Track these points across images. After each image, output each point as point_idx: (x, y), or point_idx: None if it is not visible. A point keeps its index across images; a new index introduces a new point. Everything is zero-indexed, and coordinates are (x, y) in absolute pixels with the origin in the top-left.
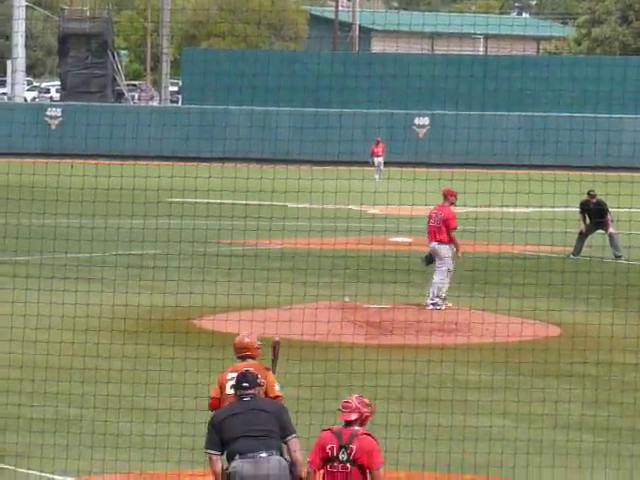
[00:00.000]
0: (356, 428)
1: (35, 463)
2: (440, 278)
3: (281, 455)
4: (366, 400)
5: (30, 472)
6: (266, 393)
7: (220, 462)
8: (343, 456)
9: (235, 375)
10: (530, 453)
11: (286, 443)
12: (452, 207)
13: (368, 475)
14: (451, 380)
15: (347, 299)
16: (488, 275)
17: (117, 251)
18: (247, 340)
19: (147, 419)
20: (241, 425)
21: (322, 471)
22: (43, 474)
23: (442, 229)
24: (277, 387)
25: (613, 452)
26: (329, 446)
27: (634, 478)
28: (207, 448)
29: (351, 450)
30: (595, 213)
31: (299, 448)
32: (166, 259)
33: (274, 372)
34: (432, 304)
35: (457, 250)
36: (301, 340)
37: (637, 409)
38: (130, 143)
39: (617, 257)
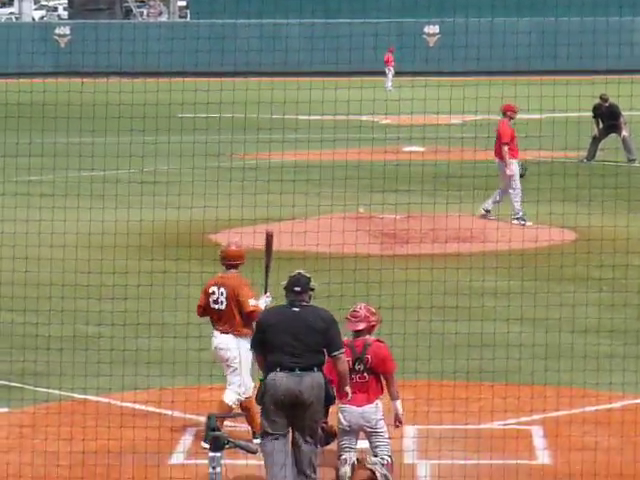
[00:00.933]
0: (367, 337)
1: (54, 381)
2: (512, 193)
3: (320, 371)
4: (372, 308)
5: (50, 391)
6: (239, 306)
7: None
8: (360, 367)
9: (215, 289)
10: (548, 358)
11: (331, 358)
12: (510, 122)
13: (382, 380)
14: (468, 287)
15: (362, 210)
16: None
17: (130, 167)
18: (233, 249)
19: (165, 334)
20: (285, 337)
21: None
22: (63, 392)
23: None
24: (252, 302)
25: (631, 354)
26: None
27: None
28: (252, 347)
29: (367, 360)
30: (608, 116)
31: (344, 366)
32: (179, 174)
33: (269, 265)
34: (516, 219)
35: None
36: (317, 252)
37: None
38: (140, 59)
39: (630, 160)
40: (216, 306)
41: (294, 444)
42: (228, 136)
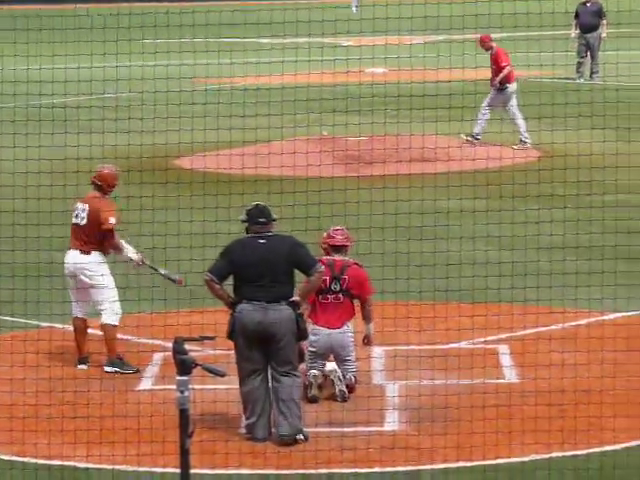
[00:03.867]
0: (346, 259)
1: (19, 309)
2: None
3: (290, 304)
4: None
5: (15, 319)
6: (99, 221)
7: (221, 288)
8: (336, 287)
9: (80, 205)
10: (514, 276)
11: (310, 277)
12: (498, 49)
13: (355, 305)
14: (433, 207)
15: (325, 132)
16: (466, 100)
17: (92, 93)
18: (105, 172)
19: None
20: (253, 269)
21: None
22: (28, 320)
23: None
24: (112, 220)
25: (596, 270)
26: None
27: (618, 294)
28: (212, 272)
29: (344, 280)
30: (592, 13)
31: (318, 282)
32: (141, 99)
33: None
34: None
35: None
36: (280, 174)
37: (618, 227)
38: None
39: (593, 73)
40: (75, 220)
41: (274, 380)
42: (190, 60)
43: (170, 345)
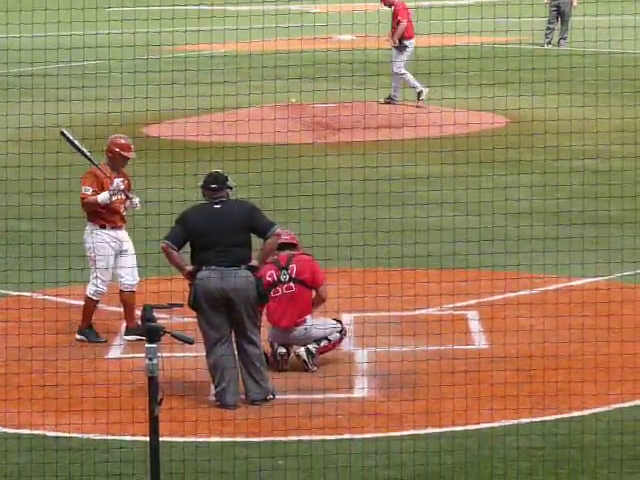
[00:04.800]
0: (290, 252)
1: None
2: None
3: (249, 268)
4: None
5: None
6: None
7: (179, 256)
8: (285, 277)
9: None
10: (482, 241)
11: (267, 239)
12: (399, 4)
13: (312, 293)
14: (400, 173)
15: (293, 100)
16: (432, 66)
17: (58, 62)
18: (118, 142)
19: None
20: (210, 235)
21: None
22: None
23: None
24: (84, 189)
25: (564, 236)
26: (269, 273)
27: (585, 259)
28: (168, 239)
29: (292, 269)
30: None
31: (274, 244)
32: (108, 67)
33: (83, 152)
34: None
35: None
36: (248, 142)
37: (586, 192)
38: None
39: (561, 39)
40: None
41: (239, 349)
42: (156, 28)
43: (139, 313)
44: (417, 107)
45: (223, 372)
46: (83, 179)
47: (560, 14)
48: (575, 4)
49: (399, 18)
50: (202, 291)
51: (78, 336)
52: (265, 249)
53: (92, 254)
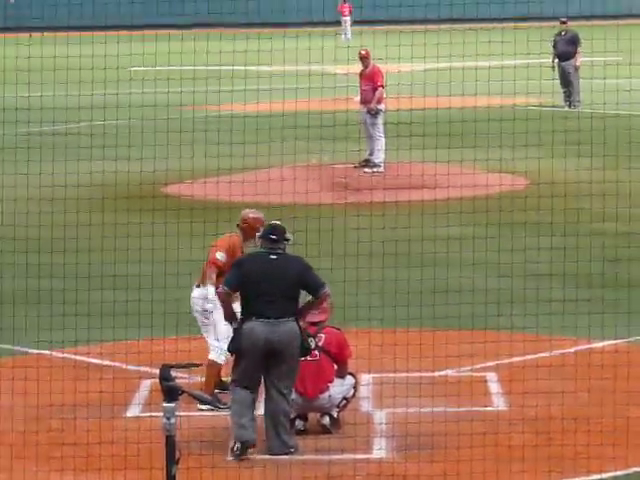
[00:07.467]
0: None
1: (7, 336)
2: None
3: (296, 321)
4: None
5: (2, 346)
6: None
7: (232, 304)
8: (311, 344)
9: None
10: (501, 303)
11: (318, 298)
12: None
13: (334, 367)
14: (419, 234)
15: (314, 160)
16: (452, 128)
17: (79, 120)
18: (251, 216)
19: (117, 286)
20: (262, 284)
21: None
22: (15, 347)
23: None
24: (218, 255)
25: (583, 298)
26: None
27: (605, 321)
28: (224, 284)
29: (320, 338)
30: (567, 41)
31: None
32: (129, 126)
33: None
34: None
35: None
36: (268, 202)
37: (605, 254)
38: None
39: (572, 102)
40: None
41: (268, 400)
42: (177, 88)
43: (157, 372)
44: (356, 167)
45: (244, 410)
46: (221, 244)
47: (564, 78)
48: (578, 64)
49: (378, 83)
50: (246, 339)
51: (203, 406)
52: (312, 304)
53: (209, 318)
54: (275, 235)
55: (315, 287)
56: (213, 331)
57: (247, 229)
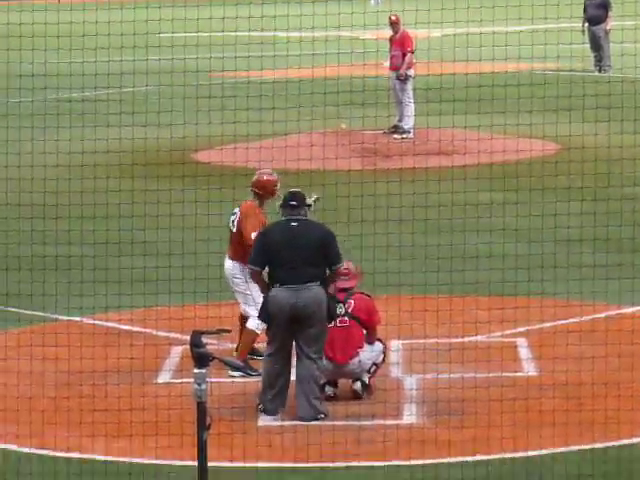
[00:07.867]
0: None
1: (38, 302)
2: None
3: (321, 284)
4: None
5: (34, 312)
6: (241, 231)
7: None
8: (340, 310)
9: (236, 210)
10: (531, 268)
11: (332, 271)
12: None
13: (364, 333)
14: (449, 200)
15: (343, 126)
16: (482, 92)
17: (109, 87)
18: (257, 178)
19: (148, 253)
20: (285, 252)
21: None
22: (47, 314)
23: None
24: (253, 235)
25: (613, 263)
26: None
27: (635, 287)
28: (251, 263)
29: (349, 304)
30: (597, 5)
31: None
32: (158, 93)
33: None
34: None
35: None
36: (298, 168)
37: (636, 219)
38: None
39: (603, 66)
40: (229, 226)
41: (298, 364)
42: (206, 54)
43: (188, 338)
44: (385, 133)
45: (274, 380)
46: (253, 223)
47: (594, 42)
48: (609, 28)
49: (408, 49)
50: (273, 306)
51: (234, 372)
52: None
53: (247, 290)
54: (295, 201)
55: (332, 259)
56: (252, 300)
57: (263, 192)
